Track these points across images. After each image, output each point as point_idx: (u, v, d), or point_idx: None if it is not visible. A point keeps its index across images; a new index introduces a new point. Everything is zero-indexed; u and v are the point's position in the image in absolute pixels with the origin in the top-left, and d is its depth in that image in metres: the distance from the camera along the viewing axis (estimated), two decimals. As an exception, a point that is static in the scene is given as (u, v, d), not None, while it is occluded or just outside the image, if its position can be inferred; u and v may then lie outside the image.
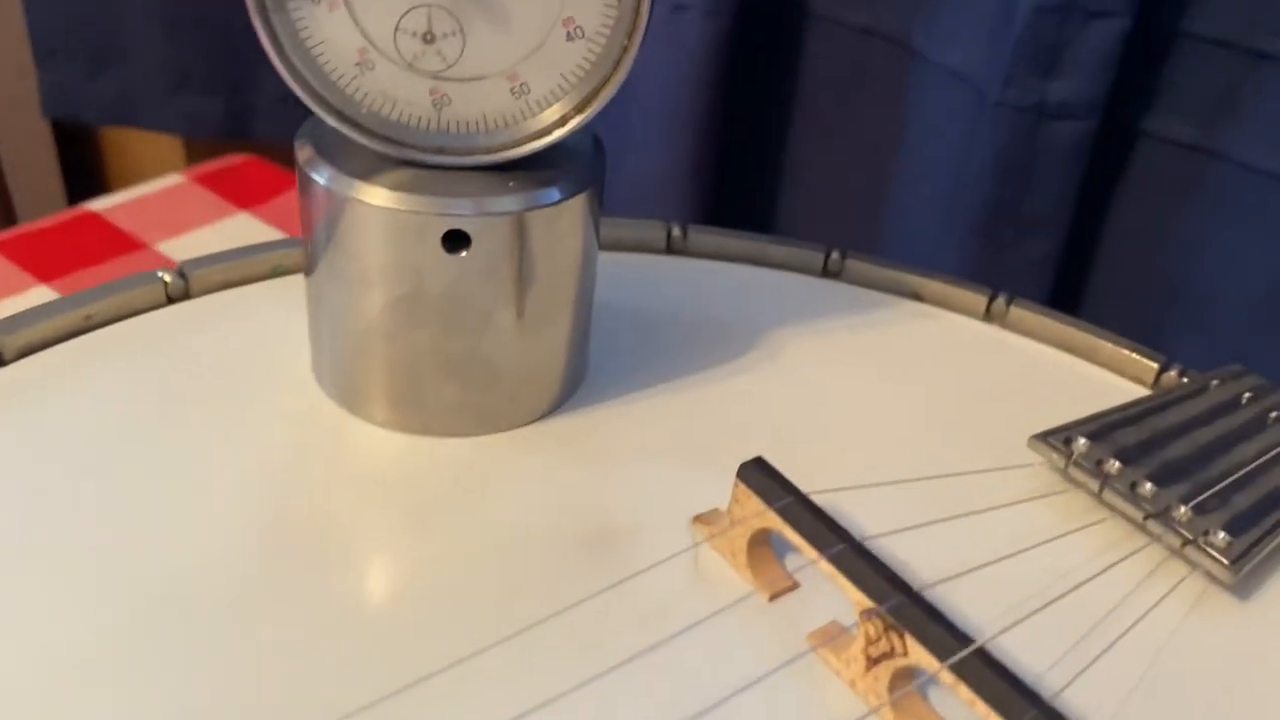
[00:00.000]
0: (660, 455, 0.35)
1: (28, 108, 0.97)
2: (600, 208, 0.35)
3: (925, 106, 0.67)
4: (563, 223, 0.33)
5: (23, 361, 0.37)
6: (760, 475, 0.31)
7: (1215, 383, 0.40)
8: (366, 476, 0.34)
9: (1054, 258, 0.63)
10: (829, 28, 0.69)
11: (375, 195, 0.32)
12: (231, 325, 0.39)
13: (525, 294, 0.34)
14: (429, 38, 0.31)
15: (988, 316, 0.44)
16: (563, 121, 0.32)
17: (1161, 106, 0.59)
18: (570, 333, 0.36)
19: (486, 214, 0.32)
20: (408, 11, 0.30)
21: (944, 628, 0.26)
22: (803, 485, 0.30)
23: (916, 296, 0.44)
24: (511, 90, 0.32)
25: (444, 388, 0.34)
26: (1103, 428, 0.35)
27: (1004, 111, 0.59)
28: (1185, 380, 0.41)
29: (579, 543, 0.32)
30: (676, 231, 0.46)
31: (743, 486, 0.30)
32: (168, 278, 0.40)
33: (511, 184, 0.32)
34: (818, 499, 0.30)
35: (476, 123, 0.32)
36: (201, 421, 0.35)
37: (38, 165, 1.04)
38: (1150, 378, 0.41)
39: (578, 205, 0.33)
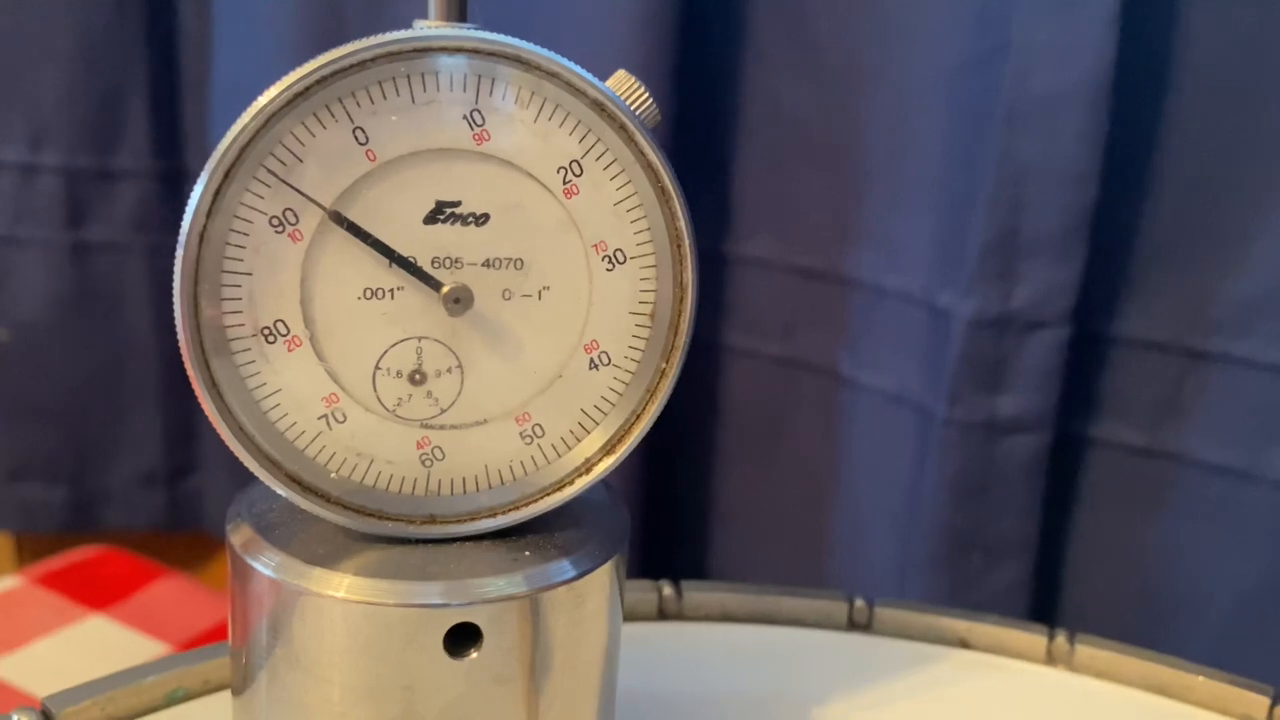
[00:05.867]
0: None
1: None
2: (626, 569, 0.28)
3: (862, 433, 0.63)
4: (593, 597, 0.25)
5: None
6: None
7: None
8: None
9: (1026, 581, 0.58)
10: (747, 361, 0.67)
11: (344, 586, 0.23)
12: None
13: (543, 698, 0.25)
14: (418, 377, 0.24)
15: (1050, 659, 0.37)
16: (586, 468, 0.26)
17: (1108, 412, 0.57)
18: (598, 743, 0.27)
19: (501, 598, 0.24)
20: (392, 347, 0.24)
21: None
22: None
23: (964, 644, 0.37)
24: (521, 434, 0.25)
25: (443, 847, 0.25)
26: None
27: (953, 430, 0.56)
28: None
29: None
30: (668, 590, 0.38)
31: None
32: (26, 722, 0.30)
33: (528, 553, 0.25)
34: None
35: (476, 479, 0.25)
36: None
37: None
38: (1262, 713, 0.35)
39: (608, 572, 0.26)
